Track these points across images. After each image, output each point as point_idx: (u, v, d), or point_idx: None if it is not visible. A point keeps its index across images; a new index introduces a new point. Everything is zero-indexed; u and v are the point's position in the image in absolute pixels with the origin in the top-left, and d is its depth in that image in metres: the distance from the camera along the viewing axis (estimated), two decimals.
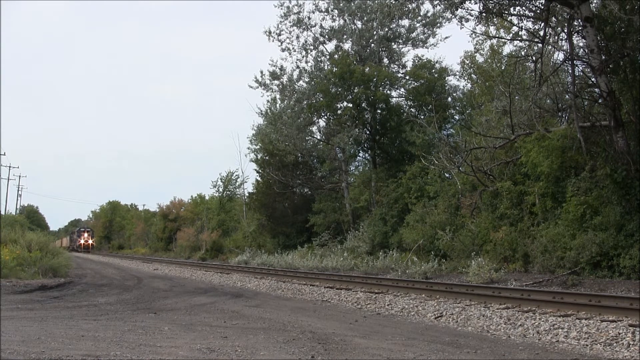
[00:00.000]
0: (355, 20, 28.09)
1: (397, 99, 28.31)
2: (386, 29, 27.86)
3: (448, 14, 19.70)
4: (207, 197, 52.08)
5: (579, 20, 13.48)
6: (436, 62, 27.33)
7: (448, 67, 27.27)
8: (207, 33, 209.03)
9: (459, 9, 15.37)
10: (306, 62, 28.98)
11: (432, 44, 28.16)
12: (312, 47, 28.73)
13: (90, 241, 70.35)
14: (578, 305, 8.52)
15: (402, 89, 28.15)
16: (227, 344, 6.06)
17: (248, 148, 41.03)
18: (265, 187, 32.08)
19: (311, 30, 28.37)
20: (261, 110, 32.23)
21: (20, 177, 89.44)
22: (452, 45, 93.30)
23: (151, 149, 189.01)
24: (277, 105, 30.97)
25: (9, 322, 7.42)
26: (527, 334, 7.12)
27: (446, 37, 27.93)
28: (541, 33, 14.65)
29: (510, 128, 17.17)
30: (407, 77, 27.96)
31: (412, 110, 27.34)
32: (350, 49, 28.56)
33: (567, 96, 16.73)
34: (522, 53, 18.20)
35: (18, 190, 72.41)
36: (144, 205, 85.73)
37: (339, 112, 27.46)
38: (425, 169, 21.18)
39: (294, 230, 30.52)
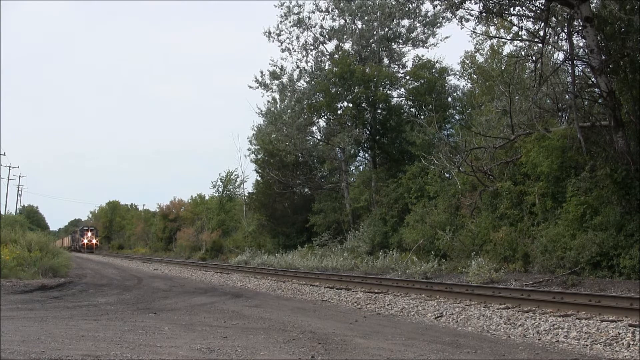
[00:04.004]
0: (355, 20, 28.08)
1: (397, 99, 28.36)
2: (386, 29, 27.86)
3: (448, 14, 19.69)
4: (207, 197, 52.09)
5: (579, 20, 13.48)
6: (436, 62, 27.35)
7: (448, 67, 27.30)
8: (207, 32, 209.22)
9: (459, 9, 15.37)
10: (306, 62, 29.02)
11: (432, 44, 28.18)
12: (312, 47, 28.76)
13: (94, 241, 68.02)
14: (578, 305, 8.52)
15: (402, 89, 28.16)
16: (227, 344, 6.06)
17: (248, 149, 40.95)
18: (265, 187, 32.07)
19: (311, 30, 28.39)
20: (261, 110, 32.23)
21: (20, 177, 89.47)
22: (452, 45, 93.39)
23: (151, 149, 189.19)
24: (277, 105, 30.99)
25: (9, 322, 7.42)
26: (527, 334, 7.12)
27: (446, 37, 27.93)
28: (541, 33, 14.65)
29: (510, 128, 17.16)
30: (407, 77, 27.95)
31: (412, 110, 27.35)
32: (350, 49, 28.55)
33: (567, 96, 16.72)
34: (522, 53, 18.19)
35: (18, 190, 72.20)
36: (144, 205, 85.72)
37: (339, 112, 27.46)
38: (425, 169, 21.18)
39: (294, 230, 30.51)
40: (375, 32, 27.75)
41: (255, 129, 36.37)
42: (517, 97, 17.97)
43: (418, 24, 27.90)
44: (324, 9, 28.10)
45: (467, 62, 25.46)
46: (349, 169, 29.86)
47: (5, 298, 10.93)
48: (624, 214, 12.72)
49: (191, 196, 58.65)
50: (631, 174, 12.76)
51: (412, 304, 10.03)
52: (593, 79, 13.89)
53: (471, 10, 15.40)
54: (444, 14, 24.73)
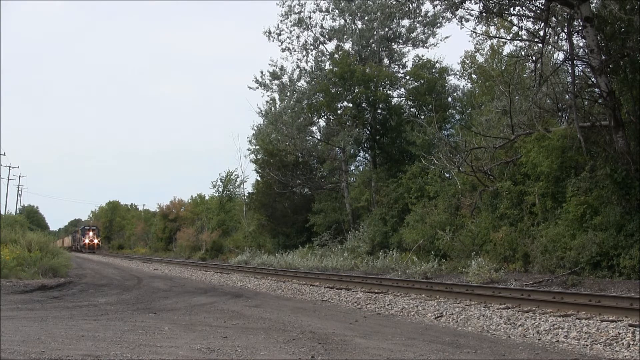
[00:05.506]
0: (355, 20, 28.11)
1: (397, 99, 28.38)
2: (386, 29, 27.87)
3: (448, 14, 19.63)
4: (207, 197, 52.13)
5: (579, 20, 13.48)
6: (436, 62, 27.39)
7: (448, 67, 27.33)
8: (207, 32, 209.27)
9: (459, 9, 15.39)
10: (306, 62, 29.04)
11: (432, 44, 28.21)
12: (312, 47, 28.77)
13: (95, 240, 66.62)
14: (578, 305, 8.52)
15: (403, 89, 28.18)
16: (227, 344, 6.06)
17: (248, 149, 40.94)
18: (265, 187, 32.08)
19: (312, 30, 28.41)
20: (261, 110, 32.29)
21: (20, 177, 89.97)
22: (452, 45, 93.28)
23: (151, 148, 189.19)
24: (277, 105, 31.01)
25: (9, 322, 7.42)
26: (527, 334, 7.12)
27: (446, 37, 27.96)
28: (541, 33, 14.65)
29: (510, 128, 17.17)
30: (408, 77, 27.97)
31: (412, 110, 27.36)
32: (350, 49, 28.57)
33: (567, 96, 16.73)
34: (522, 53, 18.21)
35: (18, 190, 72.45)
36: (144, 205, 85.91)
37: (339, 112, 27.47)
38: (425, 169, 21.19)
39: (294, 230, 30.51)
40: (375, 32, 27.76)
41: (255, 129, 36.49)
42: (517, 97, 17.98)
43: (418, 24, 27.93)
44: (324, 9, 28.15)
45: (467, 62, 25.50)
46: (349, 169, 29.87)
47: (5, 298, 10.93)
48: (624, 214, 12.72)
49: (191, 196, 58.80)
50: (631, 174, 12.76)
51: (412, 304, 10.03)
52: (593, 79, 13.90)
53: (471, 10, 15.43)
54: (444, 14, 24.67)
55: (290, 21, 28.06)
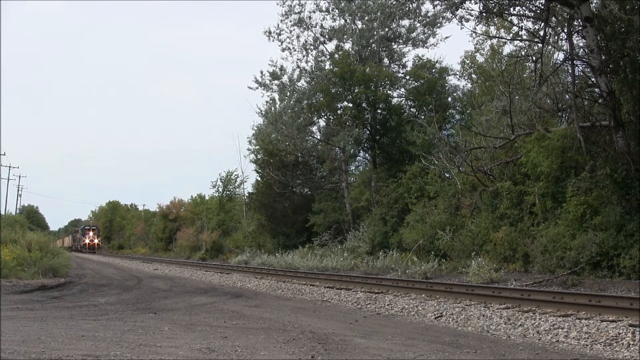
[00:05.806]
0: (355, 20, 28.11)
1: (398, 99, 28.39)
2: (386, 29, 27.88)
3: (448, 14, 19.63)
4: (207, 197, 52.13)
5: (579, 20, 13.49)
6: (436, 62, 27.39)
7: (448, 67, 27.34)
8: (207, 32, 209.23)
9: (459, 9, 15.39)
10: (306, 62, 29.05)
11: (432, 44, 28.21)
12: (312, 47, 28.78)
13: (96, 240, 66.57)
14: (578, 305, 8.52)
15: (403, 89, 28.19)
16: (227, 344, 6.06)
17: (248, 149, 40.91)
18: (265, 187, 32.08)
19: (312, 30, 28.42)
20: (261, 110, 32.31)
21: (20, 177, 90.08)
22: (452, 45, 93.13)
23: (151, 148, 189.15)
24: (277, 105, 31.03)
25: (9, 322, 7.42)
26: (527, 334, 7.12)
27: (446, 37, 27.95)
28: (541, 33, 14.66)
29: (510, 128, 17.17)
30: (408, 77, 27.98)
31: (412, 110, 27.37)
32: (350, 49, 28.58)
33: (567, 96, 16.73)
34: (522, 53, 18.21)
35: (18, 190, 72.55)
36: (144, 205, 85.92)
37: (339, 112, 27.48)
38: (425, 169, 21.19)
39: (294, 230, 30.51)
40: (375, 32, 27.76)
41: (255, 129, 36.52)
42: (517, 97, 17.98)
43: (418, 24, 27.93)
44: (324, 9, 28.16)
45: (467, 62, 25.51)
46: (349, 169, 29.87)
47: (5, 298, 10.93)
48: (624, 214, 12.72)
49: (191, 196, 58.79)
50: (631, 174, 12.76)
51: (412, 304, 10.03)
52: (593, 79, 13.90)
53: (471, 10, 15.44)
54: (444, 14, 24.66)
55: (290, 21, 28.10)
